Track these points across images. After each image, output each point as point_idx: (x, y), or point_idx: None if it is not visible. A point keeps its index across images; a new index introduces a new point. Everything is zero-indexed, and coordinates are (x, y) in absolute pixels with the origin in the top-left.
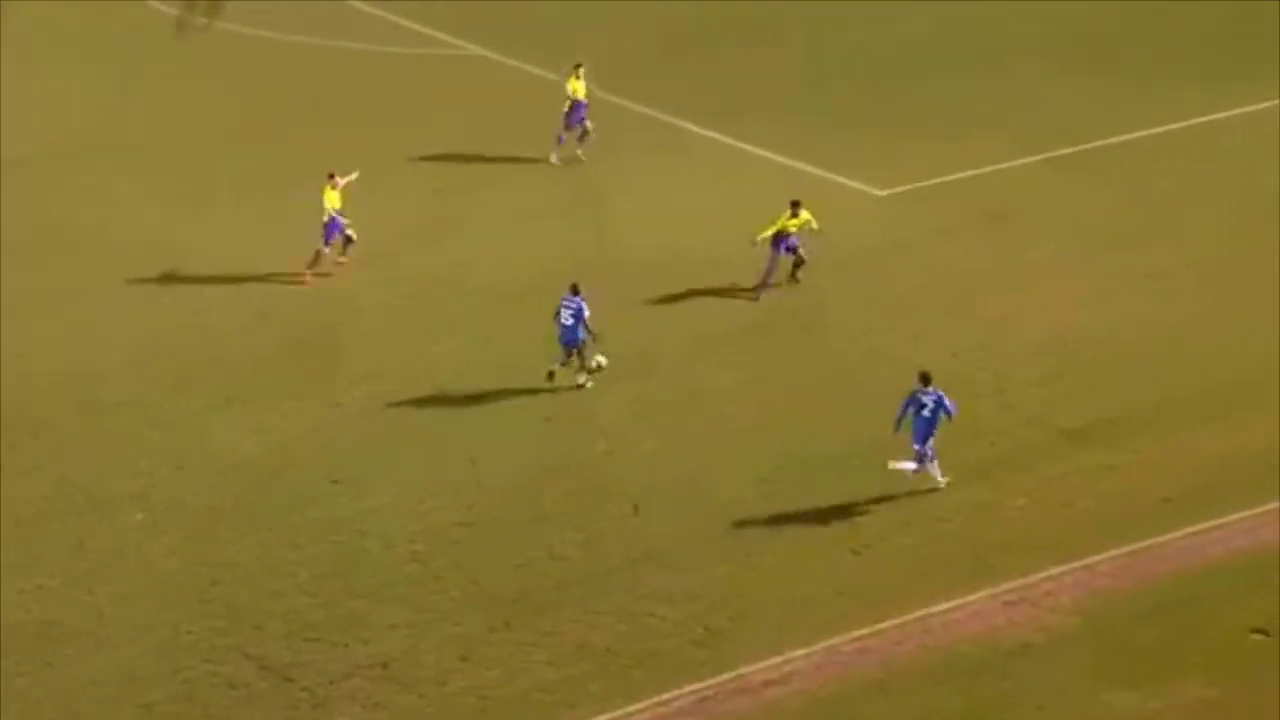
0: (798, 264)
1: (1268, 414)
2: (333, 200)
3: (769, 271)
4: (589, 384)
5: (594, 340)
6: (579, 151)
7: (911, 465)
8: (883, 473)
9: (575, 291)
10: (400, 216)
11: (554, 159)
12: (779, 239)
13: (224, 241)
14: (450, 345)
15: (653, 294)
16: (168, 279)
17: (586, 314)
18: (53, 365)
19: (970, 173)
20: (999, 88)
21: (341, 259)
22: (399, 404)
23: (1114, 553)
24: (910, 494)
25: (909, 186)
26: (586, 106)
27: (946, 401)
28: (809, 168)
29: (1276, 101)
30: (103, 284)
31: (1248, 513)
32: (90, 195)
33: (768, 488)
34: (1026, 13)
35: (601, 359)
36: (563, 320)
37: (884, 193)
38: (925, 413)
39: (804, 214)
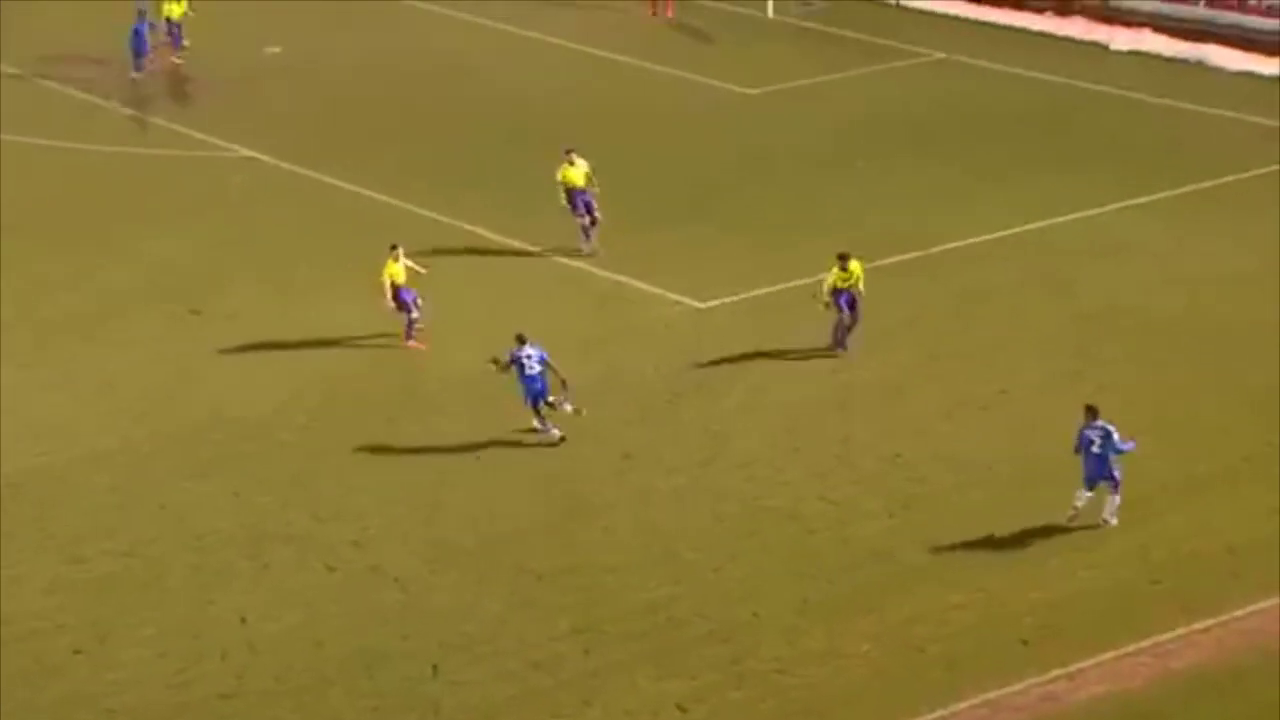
0: (850, 326)
1: (1126, 546)
2: (395, 273)
3: (838, 328)
4: (582, 410)
5: (565, 386)
6: (586, 243)
7: (1083, 497)
8: (711, 619)
9: (524, 341)
10: (146, 345)
11: (585, 248)
12: (838, 295)
13: None
14: (211, 487)
15: (444, 420)
16: None
17: (548, 358)
18: None
19: (799, 282)
20: (827, 192)
21: (411, 343)
22: (152, 557)
23: (969, 703)
24: (744, 638)
25: (733, 298)
26: (589, 193)
27: (1115, 436)
28: (620, 277)
29: (1112, 206)
30: None
31: (1109, 654)
32: None
33: (583, 639)
34: (854, 115)
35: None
36: (528, 371)
37: (705, 305)
38: (1095, 449)
39: (854, 266)
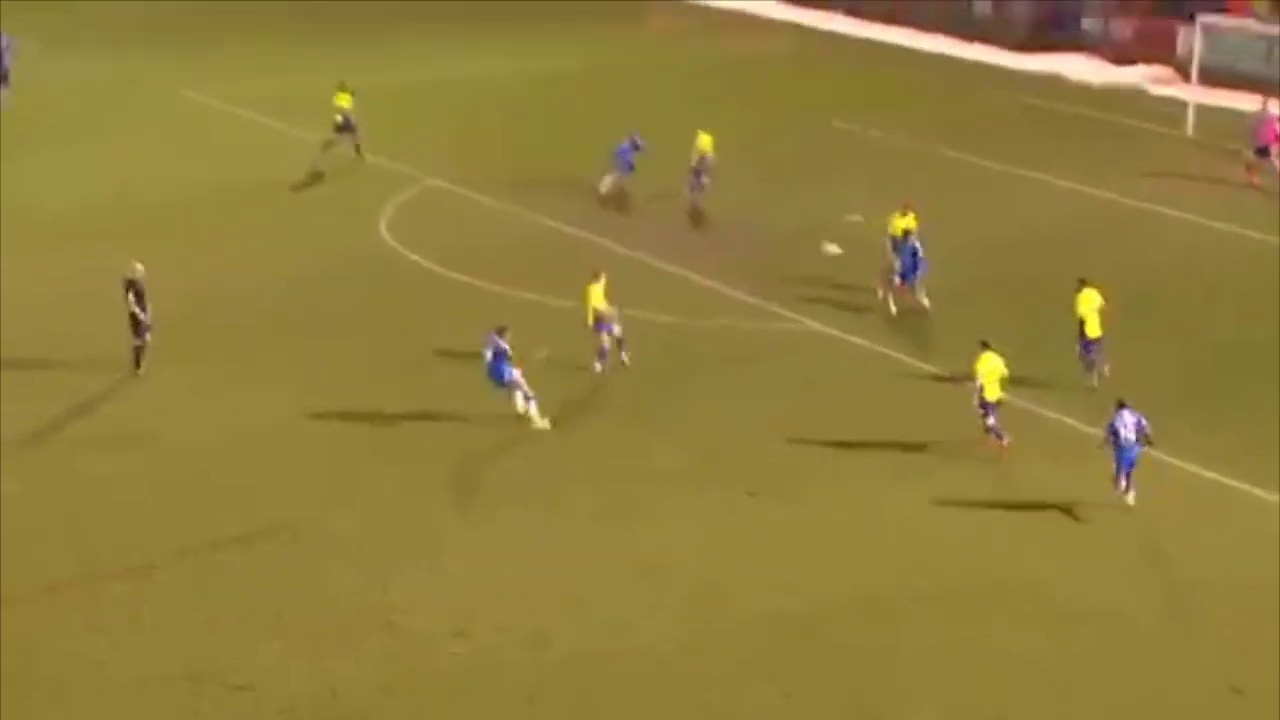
0: None
1: None
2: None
3: None
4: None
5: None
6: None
7: None
8: None
9: (1124, 405)
10: (699, 528)
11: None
12: None
13: None
14: (758, 690)
15: (1018, 629)
16: None
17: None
18: None
19: None
20: None
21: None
22: None
23: None
24: None
25: None
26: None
27: None
28: (1196, 468)
29: None
30: None
31: None
32: None
33: None
34: None
35: None
36: (1123, 439)
37: None
38: None
39: None
